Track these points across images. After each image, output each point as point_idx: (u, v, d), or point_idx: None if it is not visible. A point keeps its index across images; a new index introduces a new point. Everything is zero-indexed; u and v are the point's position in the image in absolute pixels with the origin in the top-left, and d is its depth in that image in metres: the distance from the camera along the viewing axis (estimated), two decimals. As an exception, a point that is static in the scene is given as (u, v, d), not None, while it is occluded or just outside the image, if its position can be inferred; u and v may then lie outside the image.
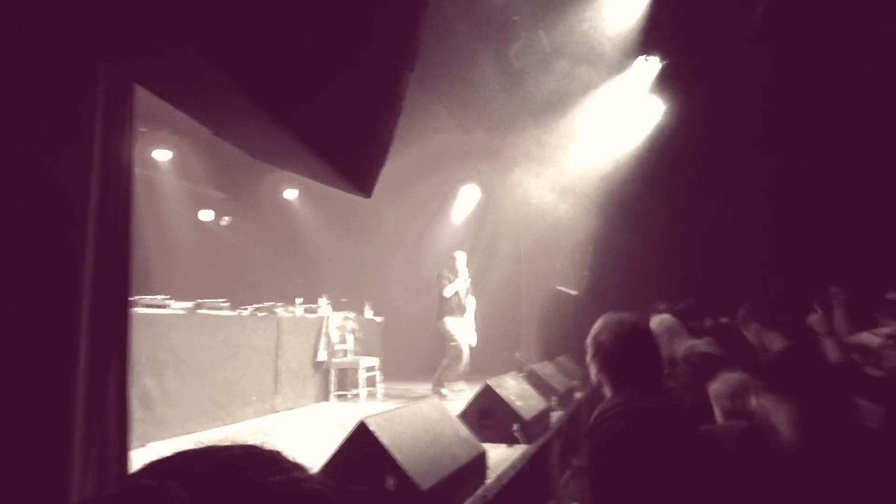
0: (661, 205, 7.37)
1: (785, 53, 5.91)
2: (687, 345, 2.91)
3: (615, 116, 6.86)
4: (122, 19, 2.03)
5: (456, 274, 6.15)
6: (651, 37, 6.13)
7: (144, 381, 4.04)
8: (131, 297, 2.08)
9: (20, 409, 1.69)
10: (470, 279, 6.32)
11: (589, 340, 1.83)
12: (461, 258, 6.26)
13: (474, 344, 6.27)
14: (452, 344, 6.01)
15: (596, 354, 1.79)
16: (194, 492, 0.37)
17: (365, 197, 2.48)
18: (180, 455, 0.42)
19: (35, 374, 1.76)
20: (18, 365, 1.71)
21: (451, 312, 6.11)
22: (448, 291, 6.02)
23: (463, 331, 6.11)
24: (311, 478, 0.43)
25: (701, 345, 2.86)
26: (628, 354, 1.73)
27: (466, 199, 8.76)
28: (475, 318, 6.45)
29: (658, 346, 1.85)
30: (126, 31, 2.11)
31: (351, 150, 2.20)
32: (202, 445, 0.43)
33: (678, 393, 1.96)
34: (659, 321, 3.14)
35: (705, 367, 2.38)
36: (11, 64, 1.84)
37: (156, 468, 0.40)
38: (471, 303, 6.36)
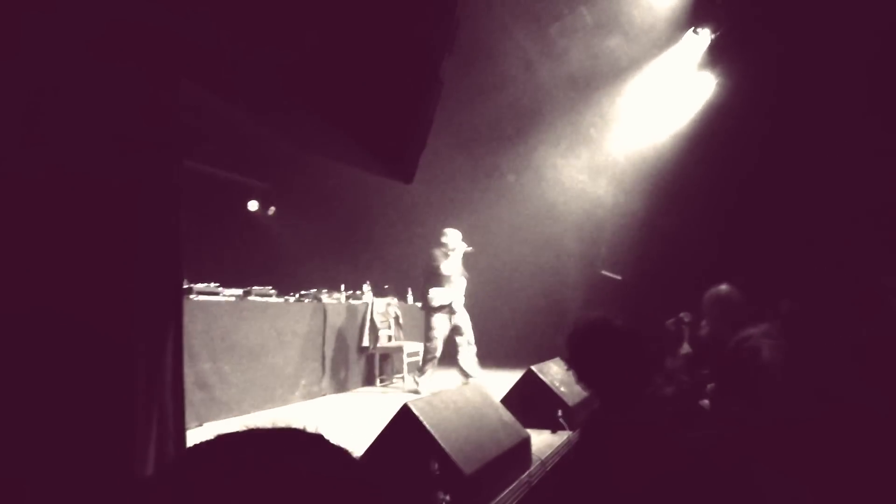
0: (711, 186, 7.05)
1: (848, 22, 5.49)
2: (740, 335, 2.71)
3: (662, 94, 6.58)
4: (164, 11, 2.08)
5: (447, 254, 5.52)
6: (701, 8, 5.82)
7: (201, 365, 4.23)
8: (183, 285, 2.16)
9: (90, 392, 1.80)
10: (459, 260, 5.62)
11: (564, 348, 1.71)
12: (453, 235, 5.58)
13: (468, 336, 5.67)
14: (428, 344, 5.52)
15: (570, 364, 1.67)
16: (238, 475, 0.37)
17: (406, 183, 2.48)
18: (223, 438, 0.42)
19: (100, 360, 1.86)
20: (86, 353, 1.81)
21: (439, 306, 5.48)
22: (444, 268, 5.42)
23: (446, 329, 5.53)
24: (353, 461, 0.43)
25: (756, 336, 2.66)
26: (603, 360, 1.59)
27: (508, 184, 8.64)
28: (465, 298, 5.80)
29: (639, 343, 1.65)
30: (171, 26, 2.16)
31: (390, 136, 2.20)
32: (246, 428, 0.43)
33: (664, 396, 1.80)
34: (714, 293, 2.85)
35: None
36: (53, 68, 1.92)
37: (200, 451, 0.40)
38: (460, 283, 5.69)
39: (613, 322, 1.65)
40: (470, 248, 5.65)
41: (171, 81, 2.41)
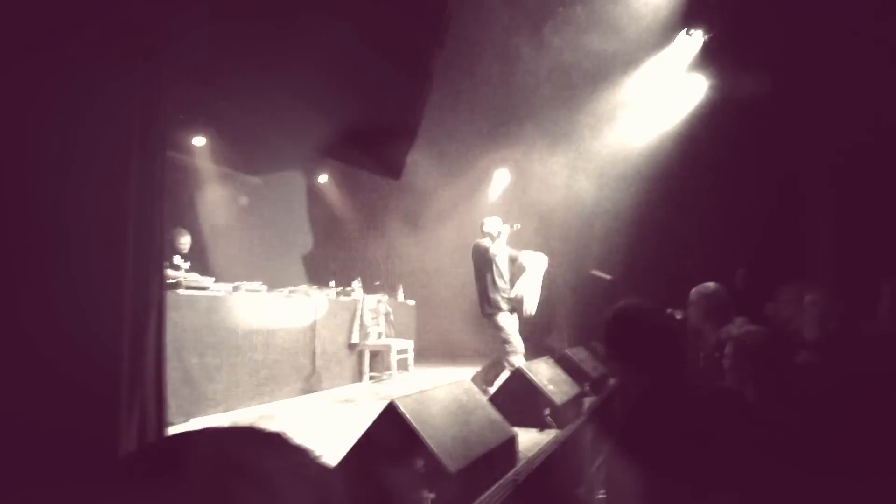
0: (702, 187, 7.09)
1: (839, 23, 5.52)
2: (743, 329, 2.77)
3: (654, 94, 6.60)
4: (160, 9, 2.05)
5: (493, 239, 5.02)
6: (694, 9, 5.84)
7: (188, 360, 4.19)
8: (165, 279, 2.13)
9: (74, 389, 1.78)
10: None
11: (604, 335, 1.84)
12: (494, 221, 5.12)
13: (533, 312, 5.10)
14: (508, 347, 4.87)
15: (612, 349, 1.80)
16: (189, 476, 0.36)
17: (394, 179, 2.46)
18: (179, 437, 0.40)
19: (86, 357, 1.84)
20: (72, 349, 1.80)
21: (500, 305, 4.92)
22: (494, 249, 4.94)
23: (516, 325, 5.00)
24: (312, 462, 0.42)
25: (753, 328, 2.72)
26: (645, 344, 1.70)
27: (498, 183, 8.65)
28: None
29: (675, 333, 1.81)
30: (161, 18, 2.13)
31: (379, 131, 2.18)
32: (203, 427, 0.42)
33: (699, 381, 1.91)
34: (702, 289, 2.94)
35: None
36: (56, 61, 1.89)
37: (153, 450, 0.39)
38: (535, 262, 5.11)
39: (651, 308, 1.80)
40: (516, 226, 5.13)
41: (156, 75, 2.38)
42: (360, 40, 2.11)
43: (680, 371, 1.72)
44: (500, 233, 5.08)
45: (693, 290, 2.93)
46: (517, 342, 4.89)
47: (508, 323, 4.98)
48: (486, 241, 5.08)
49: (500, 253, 5.06)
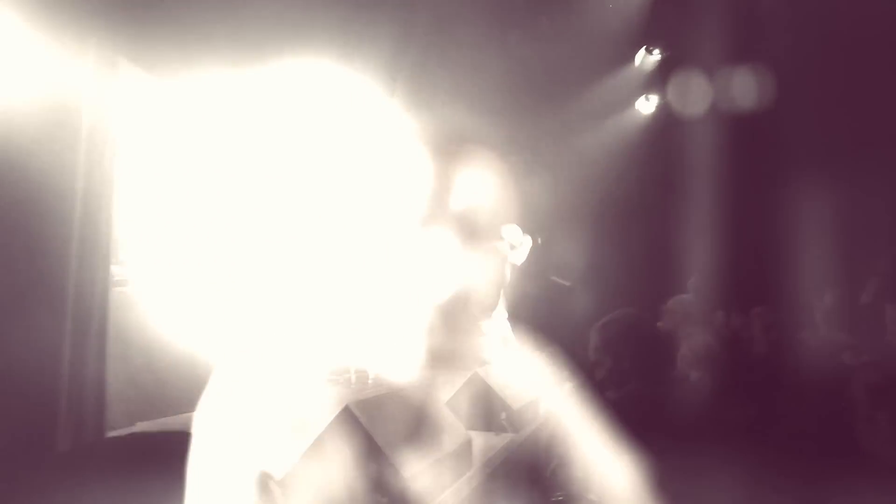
0: (660, 197, 7.35)
1: (791, 44, 5.84)
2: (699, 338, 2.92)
3: (614, 107, 6.82)
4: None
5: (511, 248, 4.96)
6: (655, 28, 6.07)
7: (134, 362, 4.02)
8: (111, 276, 2.06)
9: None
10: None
11: (597, 336, 1.92)
12: (515, 230, 5.08)
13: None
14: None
15: (605, 350, 1.88)
16: (111, 476, 0.35)
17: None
18: (108, 441, 0.39)
19: (24, 353, 1.75)
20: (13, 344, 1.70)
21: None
22: (512, 259, 4.81)
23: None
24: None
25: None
26: (636, 353, 1.81)
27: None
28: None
29: (663, 346, 1.93)
30: (116, 5, 2.07)
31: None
32: (136, 431, 0.41)
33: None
34: (677, 300, 3.13)
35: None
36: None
37: (85, 452, 0.38)
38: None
39: (651, 322, 1.91)
40: (539, 240, 5.18)
41: (112, 62, 2.30)
42: (326, 41, 2.10)
43: (664, 376, 1.82)
44: (520, 246, 4.90)
45: (670, 302, 3.12)
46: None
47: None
48: (503, 246, 4.91)
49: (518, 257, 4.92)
